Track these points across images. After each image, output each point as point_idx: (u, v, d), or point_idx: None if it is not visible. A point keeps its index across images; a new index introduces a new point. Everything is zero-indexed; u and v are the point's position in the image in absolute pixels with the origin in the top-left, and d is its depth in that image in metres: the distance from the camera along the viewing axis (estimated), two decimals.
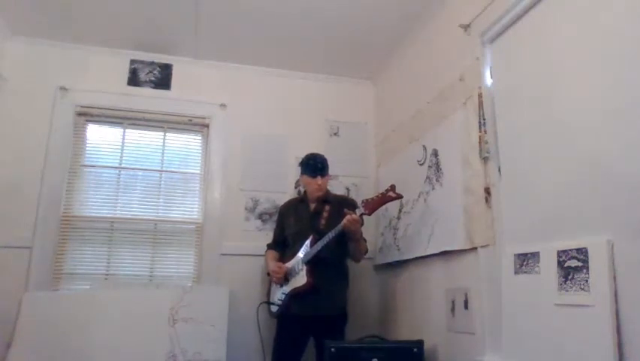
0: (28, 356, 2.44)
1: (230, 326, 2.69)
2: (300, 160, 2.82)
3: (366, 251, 2.68)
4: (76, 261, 2.87)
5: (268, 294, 2.73)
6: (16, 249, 2.73)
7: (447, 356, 2.22)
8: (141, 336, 2.57)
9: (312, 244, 2.51)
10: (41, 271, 2.74)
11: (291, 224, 2.75)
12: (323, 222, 2.55)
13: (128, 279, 2.89)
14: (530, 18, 1.84)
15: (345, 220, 2.37)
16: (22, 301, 2.56)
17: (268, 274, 2.72)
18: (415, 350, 2.17)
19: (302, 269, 2.51)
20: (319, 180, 2.65)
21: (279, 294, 2.62)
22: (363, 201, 2.45)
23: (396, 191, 2.42)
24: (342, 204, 2.58)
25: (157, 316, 2.63)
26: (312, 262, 2.49)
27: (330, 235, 2.43)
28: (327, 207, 2.61)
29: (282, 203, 2.98)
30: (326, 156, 2.74)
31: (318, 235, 2.50)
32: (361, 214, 2.41)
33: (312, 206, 2.70)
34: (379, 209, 2.92)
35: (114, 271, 2.90)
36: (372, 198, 2.45)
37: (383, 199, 2.42)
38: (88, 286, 2.80)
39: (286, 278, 2.59)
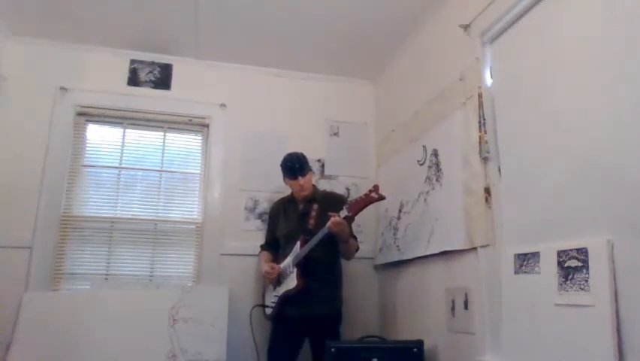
0: (28, 356, 2.44)
1: (231, 326, 2.69)
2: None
3: (357, 249, 2.64)
4: (76, 261, 2.87)
5: (263, 296, 2.74)
6: (16, 249, 2.73)
7: (447, 356, 2.22)
8: (141, 336, 2.57)
9: (301, 246, 2.49)
10: (41, 271, 2.74)
11: (281, 225, 2.74)
12: (312, 222, 2.52)
13: (128, 279, 2.89)
14: (530, 18, 1.84)
15: (329, 223, 2.34)
16: (22, 301, 2.56)
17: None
18: (415, 350, 2.16)
19: (292, 271, 2.49)
20: (300, 180, 2.63)
21: (271, 296, 2.62)
22: (347, 203, 2.39)
23: (380, 192, 2.35)
24: (330, 201, 2.56)
25: (157, 316, 2.63)
26: (303, 264, 2.47)
27: (317, 237, 2.41)
28: (315, 207, 2.57)
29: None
30: (326, 156, 2.71)
31: (308, 236, 2.47)
32: (345, 216, 2.35)
33: (301, 206, 2.69)
34: (380, 210, 2.95)
35: (114, 271, 2.90)
36: (356, 200, 2.38)
37: (366, 200, 2.35)
38: (88, 286, 2.80)
39: (278, 280, 2.58)
